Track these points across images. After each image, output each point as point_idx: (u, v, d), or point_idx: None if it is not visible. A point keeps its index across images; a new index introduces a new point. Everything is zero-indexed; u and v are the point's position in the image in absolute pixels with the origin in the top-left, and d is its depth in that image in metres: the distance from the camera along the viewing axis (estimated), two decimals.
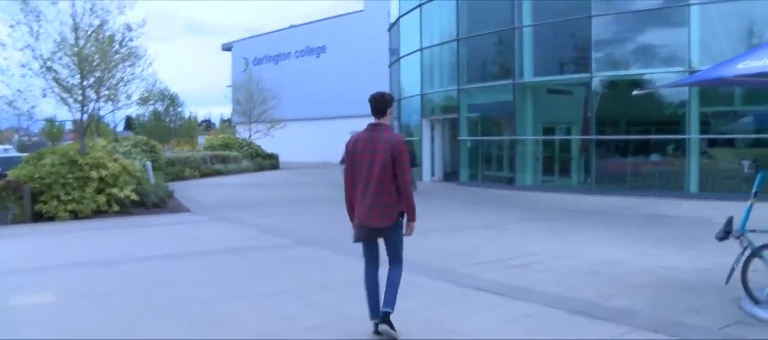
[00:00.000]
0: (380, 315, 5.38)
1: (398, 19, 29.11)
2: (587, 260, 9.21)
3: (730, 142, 18.48)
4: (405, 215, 5.46)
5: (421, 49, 26.46)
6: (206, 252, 10.31)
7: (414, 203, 5.46)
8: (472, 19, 23.80)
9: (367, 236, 5.46)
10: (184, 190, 22.60)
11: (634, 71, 19.53)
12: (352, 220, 5.52)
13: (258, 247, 10.92)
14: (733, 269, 6.49)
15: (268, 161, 40.05)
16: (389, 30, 32.21)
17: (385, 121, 5.59)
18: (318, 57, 53.40)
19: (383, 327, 5.36)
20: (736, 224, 6.49)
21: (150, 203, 17.17)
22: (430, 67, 26.57)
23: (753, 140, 18.07)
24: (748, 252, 6.52)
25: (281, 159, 42.11)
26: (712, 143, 18.48)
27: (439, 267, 8.51)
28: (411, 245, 8.23)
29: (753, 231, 6.49)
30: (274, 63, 57.14)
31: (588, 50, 19.94)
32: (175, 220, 15.02)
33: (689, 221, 13.54)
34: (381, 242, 5.57)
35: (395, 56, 30.41)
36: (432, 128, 26.71)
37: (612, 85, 20.43)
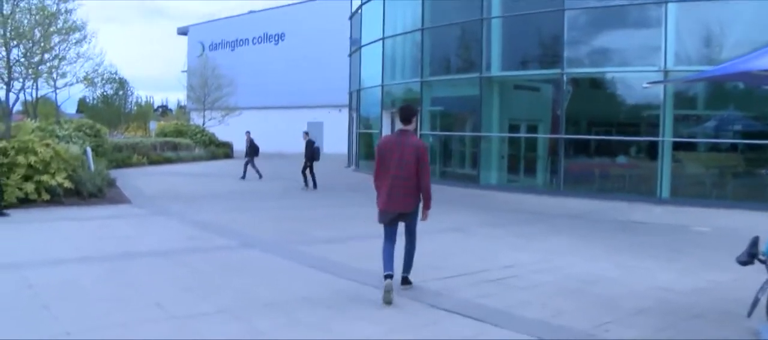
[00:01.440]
0: (391, 277, 6.59)
1: (360, 7, 28.14)
2: (569, 274, 8.14)
3: (702, 146, 17.82)
4: (421, 203, 6.83)
5: (383, 39, 25.45)
6: (136, 254, 8.93)
7: (431, 194, 6.83)
8: (437, 9, 22.76)
9: (390, 220, 6.83)
10: (128, 178, 21.01)
11: (606, 69, 18.66)
12: (378, 204, 6.88)
13: (197, 248, 9.57)
14: (757, 300, 5.43)
15: (221, 150, 38.46)
16: (350, 18, 31.27)
17: (410, 127, 6.83)
18: (276, 44, 51.80)
19: (405, 285, 7.02)
20: (762, 246, 5.43)
21: (86, 192, 15.52)
22: (392, 57, 25.64)
23: (727, 145, 17.50)
24: None
25: (236, 148, 40.47)
26: (683, 147, 17.75)
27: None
28: (372, 252, 7.29)
29: None
30: (230, 49, 55.31)
31: (559, 46, 19.03)
32: (111, 213, 13.52)
33: (664, 229, 12.72)
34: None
35: (356, 45, 29.47)
36: (392, 121, 25.62)
37: (583, 82, 19.66)
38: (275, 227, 11.94)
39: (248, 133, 23.67)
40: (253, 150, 23.14)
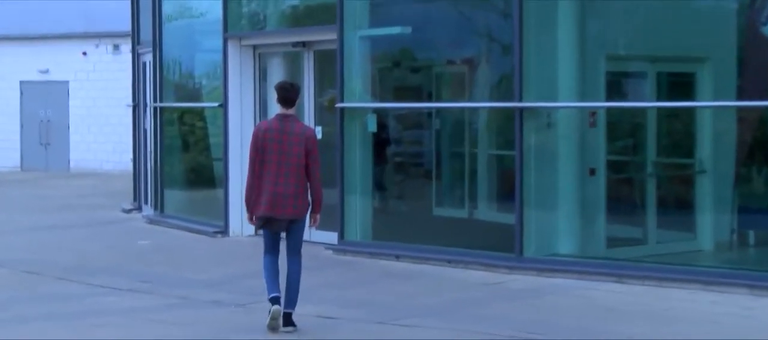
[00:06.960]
0: (278, 301, 9.14)
1: None
2: None
3: None
4: (310, 207, 9.61)
5: None
6: None
7: (322, 195, 9.69)
8: None
9: (272, 226, 9.38)
10: None
11: None
12: (248, 209, 9.45)
13: None
14: None
15: None
16: None
17: (292, 111, 9.53)
18: None
19: (287, 327, 9.19)
20: None
21: None
22: None
23: None
24: None
25: None
26: None
27: None
28: None
29: None
30: None
31: None
32: None
33: None
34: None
35: None
36: (259, 74, 19.60)
37: None
38: None
39: None
40: None
